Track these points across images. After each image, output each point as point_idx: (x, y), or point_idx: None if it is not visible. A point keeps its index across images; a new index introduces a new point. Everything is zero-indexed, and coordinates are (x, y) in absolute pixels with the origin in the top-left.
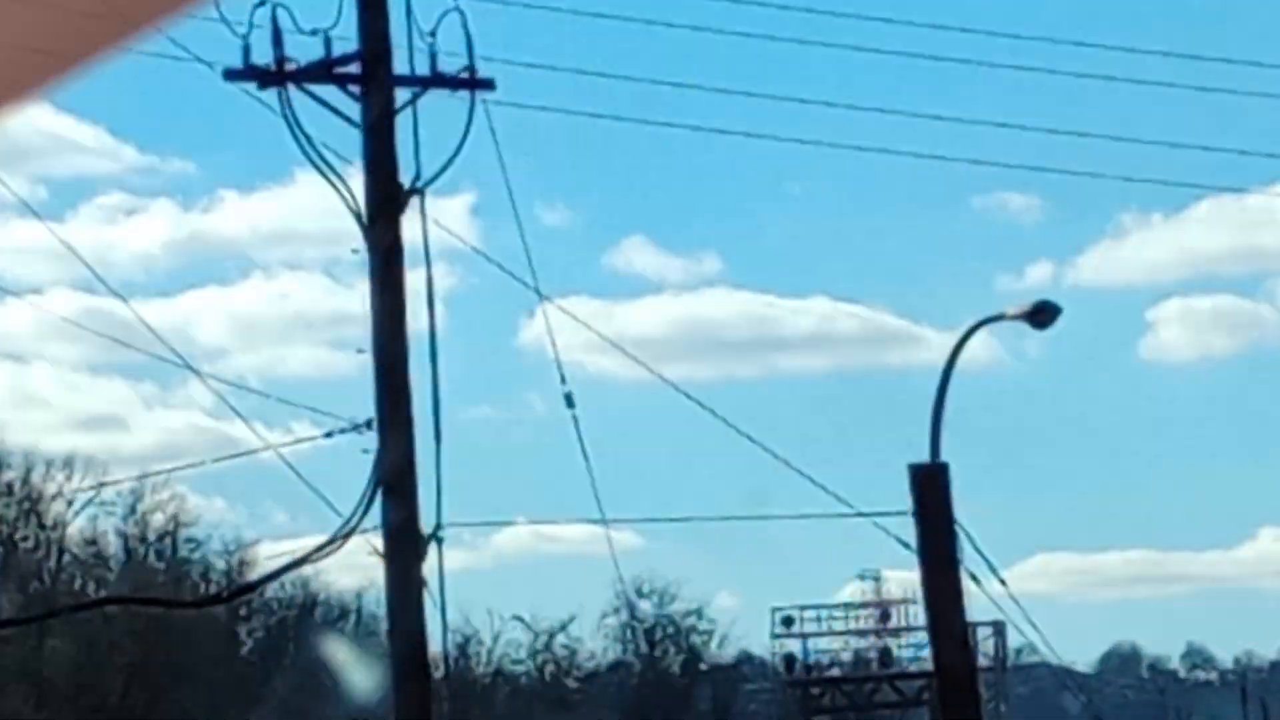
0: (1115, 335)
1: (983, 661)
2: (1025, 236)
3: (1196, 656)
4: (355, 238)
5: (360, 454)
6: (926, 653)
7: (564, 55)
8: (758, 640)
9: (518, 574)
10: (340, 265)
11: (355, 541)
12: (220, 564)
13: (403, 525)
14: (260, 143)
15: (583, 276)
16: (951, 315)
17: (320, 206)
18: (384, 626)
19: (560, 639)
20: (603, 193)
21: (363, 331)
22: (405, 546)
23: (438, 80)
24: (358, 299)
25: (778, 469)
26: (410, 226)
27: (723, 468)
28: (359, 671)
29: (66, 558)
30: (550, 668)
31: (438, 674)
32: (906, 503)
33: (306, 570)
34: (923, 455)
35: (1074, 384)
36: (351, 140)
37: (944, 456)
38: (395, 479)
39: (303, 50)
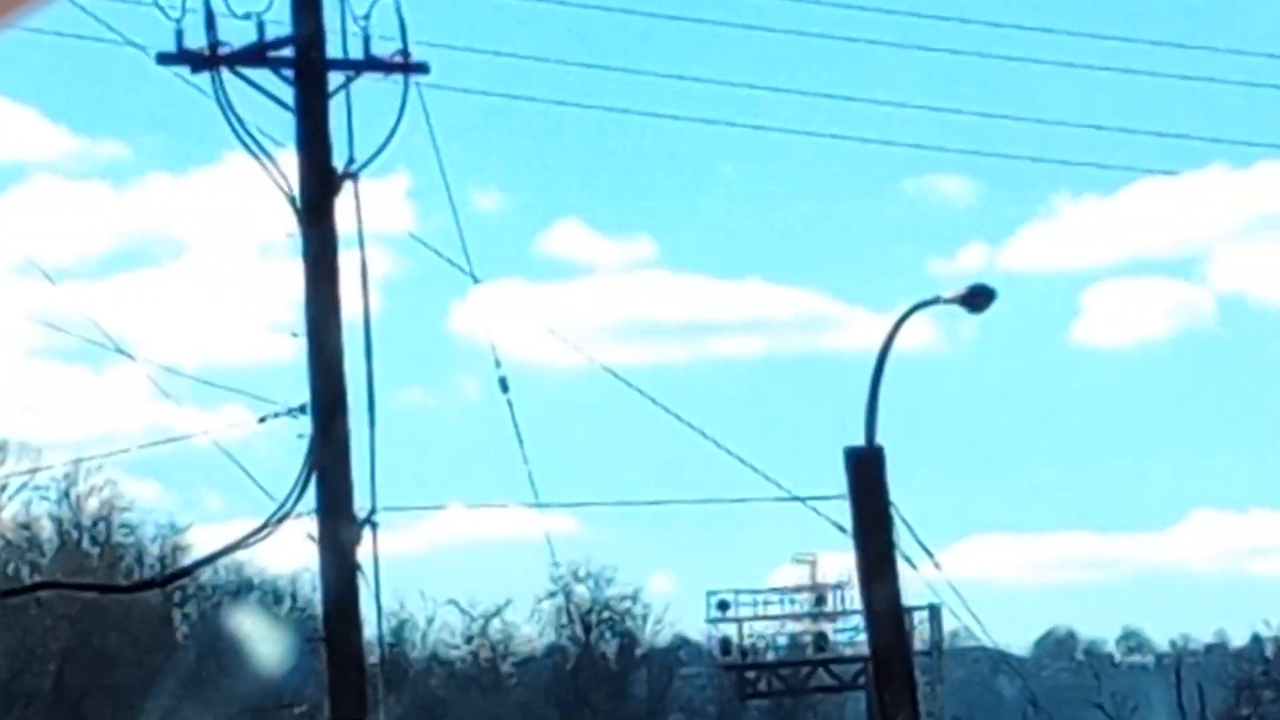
0: (1049, 318)
1: (918, 645)
2: (958, 219)
3: (1132, 640)
4: (289, 222)
5: (295, 438)
6: (862, 636)
7: (497, 39)
8: (693, 624)
9: (453, 558)
10: (274, 249)
11: (290, 526)
12: (154, 549)
13: (337, 510)
14: (194, 126)
15: (516, 260)
16: (885, 298)
17: (254, 191)
18: (319, 611)
19: (495, 623)
20: (536, 176)
21: (297, 315)
22: (339, 531)
23: (371, 64)
24: (292, 283)
25: (713, 453)
26: (344, 210)
27: (658, 452)
28: (266, 644)
29: (0, 543)
30: (485, 652)
31: (372, 658)
32: (842, 486)
33: (241, 555)
34: (858, 439)
35: (1008, 367)
36: (285, 124)
37: (879, 440)
38: (329, 463)
39: (236, 34)
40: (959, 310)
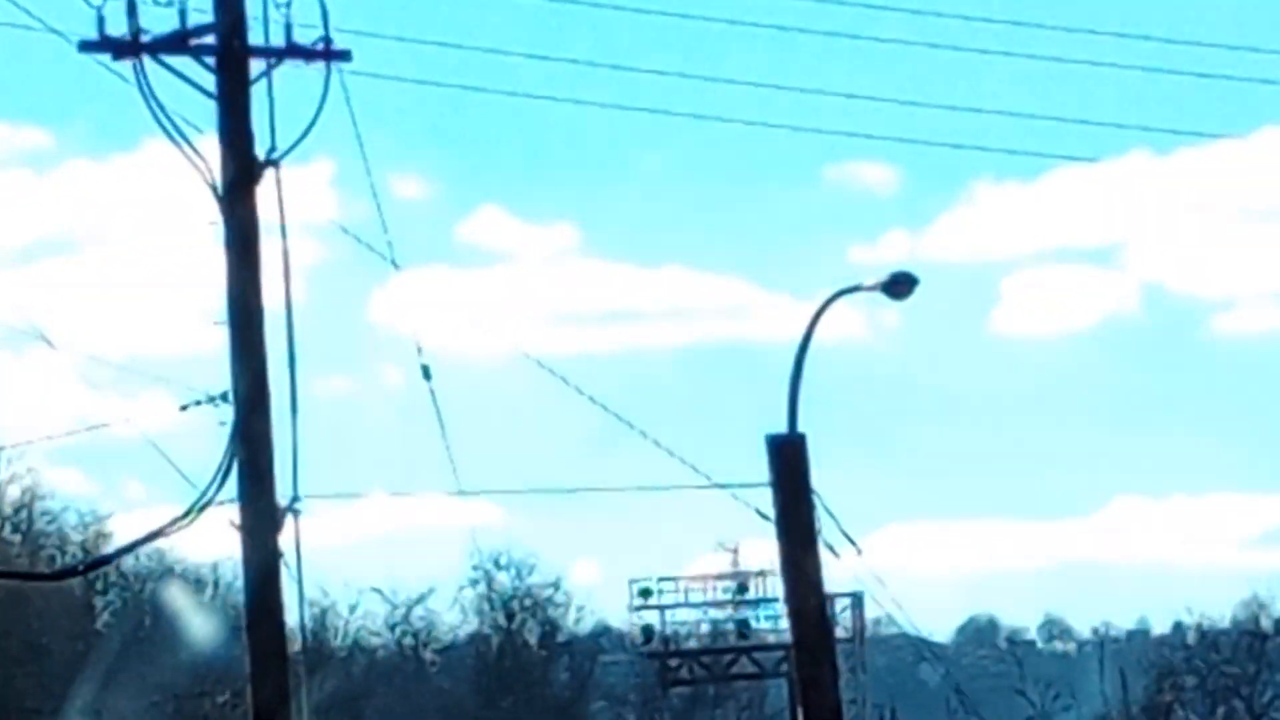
0: (970, 306)
1: (841, 633)
2: (879, 207)
3: (1054, 627)
4: (211, 209)
5: (217, 426)
6: (784, 624)
7: (420, 26)
8: (616, 612)
9: (375, 547)
10: (196, 237)
11: (212, 514)
12: (76, 537)
13: (259, 497)
14: (115, 113)
15: (438, 247)
16: (806, 286)
17: (175, 178)
18: (241, 599)
19: (418, 611)
20: (457, 163)
21: (219, 304)
22: (262, 519)
23: (293, 51)
24: (213, 271)
25: (635, 440)
26: (266, 198)
27: (580, 439)
28: (188, 632)
29: None
30: (408, 640)
31: (295, 647)
32: (764, 474)
33: (163, 543)
34: (780, 426)
35: (930, 354)
36: (207, 112)
37: (801, 427)
38: (252, 451)
39: (158, 22)
40: (881, 297)
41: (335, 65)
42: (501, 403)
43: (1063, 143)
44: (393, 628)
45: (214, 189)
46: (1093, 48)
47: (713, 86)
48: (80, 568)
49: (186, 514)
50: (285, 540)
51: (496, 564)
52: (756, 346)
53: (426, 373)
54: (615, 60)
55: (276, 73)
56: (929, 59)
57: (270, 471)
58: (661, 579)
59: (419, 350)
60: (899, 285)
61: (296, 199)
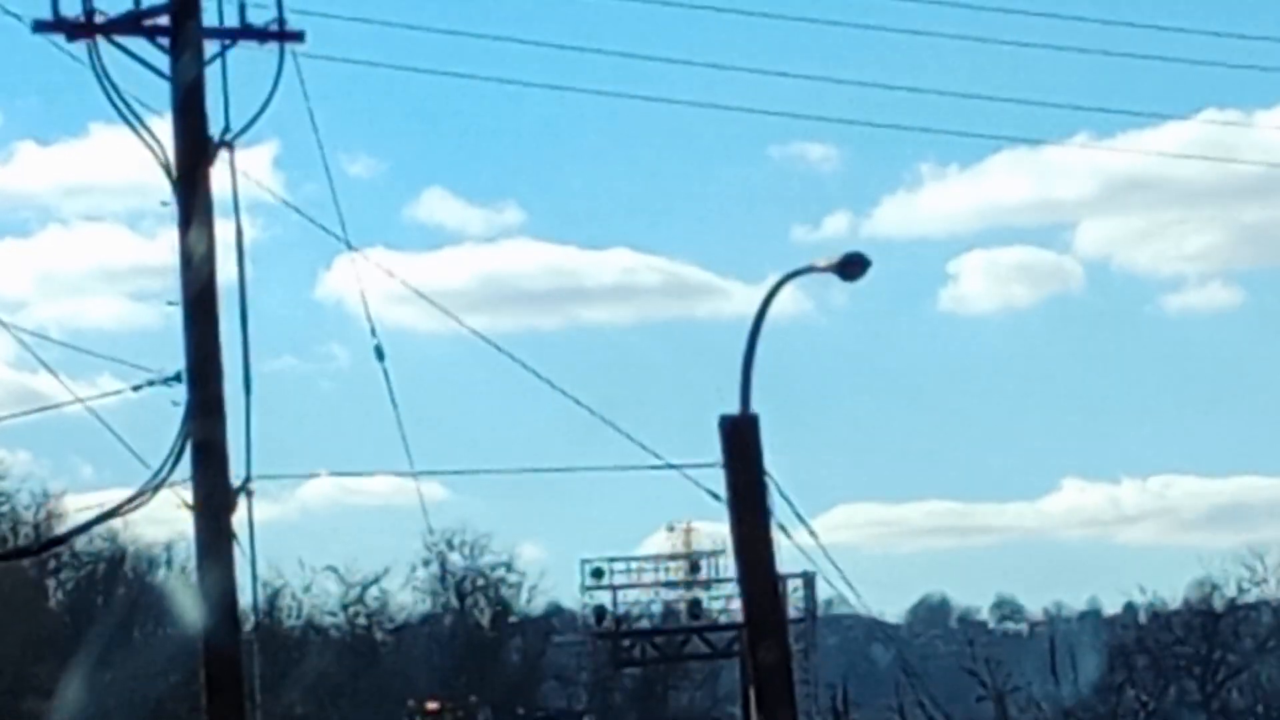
0: (916, 287)
1: (793, 613)
2: (823, 187)
3: (1006, 607)
4: (158, 190)
5: (168, 407)
6: (736, 604)
7: (370, 7)
8: (568, 592)
9: (325, 527)
10: (143, 218)
11: (164, 495)
12: (28, 517)
13: (212, 478)
14: (63, 95)
15: (385, 228)
16: (751, 266)
17: (122, 159)
18: (193, 579)
19: (372, 591)
20: (404, 144)
21: (165, 283)
22: (214, 499)
23: (247, 32)
24: (160, 251)
25: (585, 420)
26: (218, 178)
27: (530, 419)
28: (150, 601)
29: None
30: (361, 620)
31: (247, 626)
32: (716, 454)
33: (116, 524)
34: (732, 407)
35: (877, 335)
36: (160, 93)
37: (753, 407)
38: (204, 431)
39: (111, 3)
40: (829, 277)
41: (288, 46)
42: (450, 384)
43: (1006, 125)
44: (346, 608)
45: (167, 169)
46: (1036, 31)
47: (658, 67)
48: (33, 548)
49: (140, 494)
50: (238, 520)
51: (449, 544)
52: (701, 326)
53: (380, 353)
54: (562, 42)
55: (230, 53)
56: (873, 41)
57: (223, 451)
58: (613, 559)
59: (372, 331)
60: (851, 266)
61: (244, 179)
